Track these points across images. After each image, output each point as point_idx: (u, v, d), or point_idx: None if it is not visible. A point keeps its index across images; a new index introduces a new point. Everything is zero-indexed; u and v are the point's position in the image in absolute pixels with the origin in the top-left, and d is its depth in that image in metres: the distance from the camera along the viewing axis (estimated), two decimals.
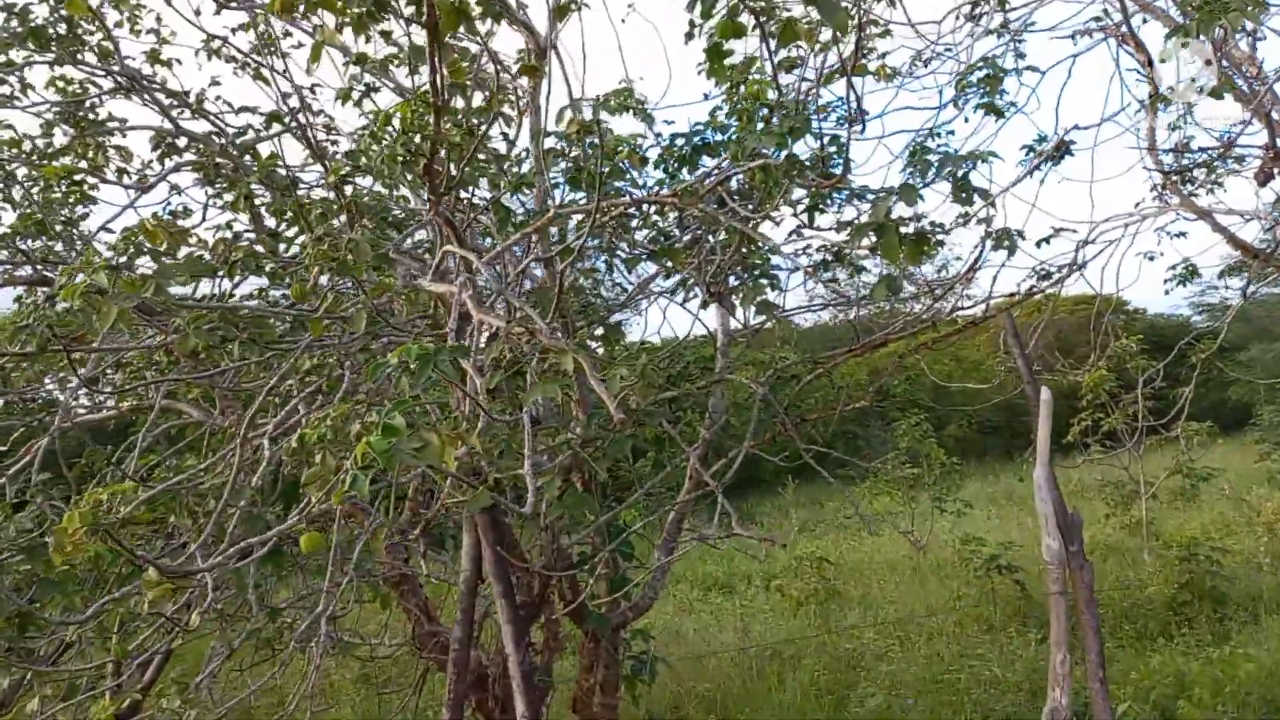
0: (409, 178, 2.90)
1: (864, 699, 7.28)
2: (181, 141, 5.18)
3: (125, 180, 5.22)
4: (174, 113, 5.01)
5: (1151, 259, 7.84)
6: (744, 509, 17.63)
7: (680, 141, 4.58)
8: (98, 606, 2.91)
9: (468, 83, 2.98)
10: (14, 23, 4.49)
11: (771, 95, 3.40)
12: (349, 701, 8.41)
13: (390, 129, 2.83)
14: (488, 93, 3.34)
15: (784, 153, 3.18)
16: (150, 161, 5.23)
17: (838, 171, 3.51)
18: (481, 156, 3.61)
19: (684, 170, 4.65)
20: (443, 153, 2.96)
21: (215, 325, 3.27)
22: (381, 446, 1.86)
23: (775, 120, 3.31)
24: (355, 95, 3.99)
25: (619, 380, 2.59)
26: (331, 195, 3.24)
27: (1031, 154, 5.51)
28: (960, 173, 3.23)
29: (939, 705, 7.10)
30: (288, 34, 5.34)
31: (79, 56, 4.61)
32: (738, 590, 12.51)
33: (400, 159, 2.78)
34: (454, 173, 3.10)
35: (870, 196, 3.61)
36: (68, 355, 3.04)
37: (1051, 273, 5.95)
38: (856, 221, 4.53)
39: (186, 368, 4.41)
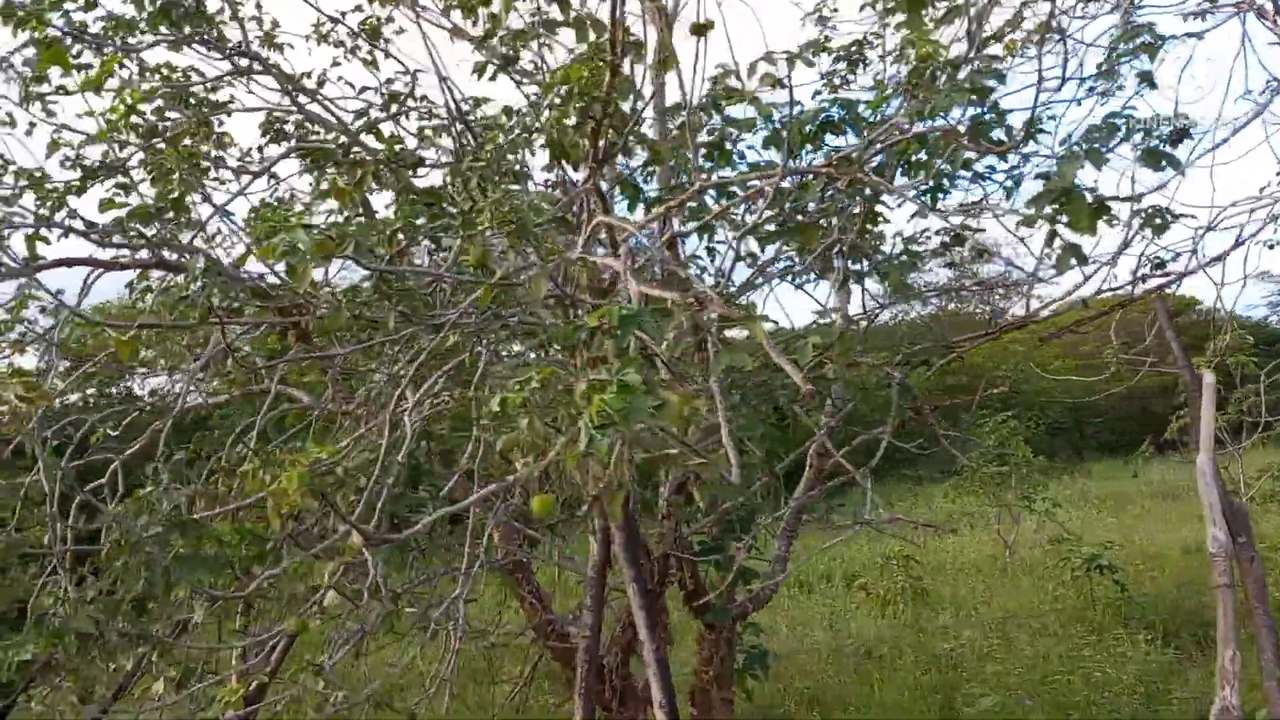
0: (578, 144, 2.79)
1: (974, 699, 7.06)
2: (289, 127, 5.17)
3: (235, 165, 5.19)
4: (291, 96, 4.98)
5: (1272, 247, 7.52)
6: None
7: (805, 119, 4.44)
8: (264, 577, 2.83)
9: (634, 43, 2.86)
10: (132, 8, 4.47)
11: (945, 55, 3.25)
12: (452, 692, 8.33)
13: (559, 90, 2.73)
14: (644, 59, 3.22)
15: (968, 114, 3.03)
16: (257, 147, 5.21)
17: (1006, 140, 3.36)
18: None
19: (806, 148, 4.53)
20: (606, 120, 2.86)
21: (367, 299, 3.20)
22: (618, 404, 1.75)
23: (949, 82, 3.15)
24: (490, 70, 3.91)
25: (811, 349, 2.46)
26: (481, 163, 3.14)
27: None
28: (1157, 136, 3.06)
29: (1055, 707, 6.86)
30: (389, 20, 5.33)
31: (204, 37, 4.58)
32: (816, 589, 12.26)
33: (573, 121, 2.68)
34: (615, 140, 3.00)
35: (1038, 169, 3.43)
36: (222, 327, 2.99)
37: (1164, 261, 5.72)
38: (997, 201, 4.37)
39: (298, 352, 4.36)
